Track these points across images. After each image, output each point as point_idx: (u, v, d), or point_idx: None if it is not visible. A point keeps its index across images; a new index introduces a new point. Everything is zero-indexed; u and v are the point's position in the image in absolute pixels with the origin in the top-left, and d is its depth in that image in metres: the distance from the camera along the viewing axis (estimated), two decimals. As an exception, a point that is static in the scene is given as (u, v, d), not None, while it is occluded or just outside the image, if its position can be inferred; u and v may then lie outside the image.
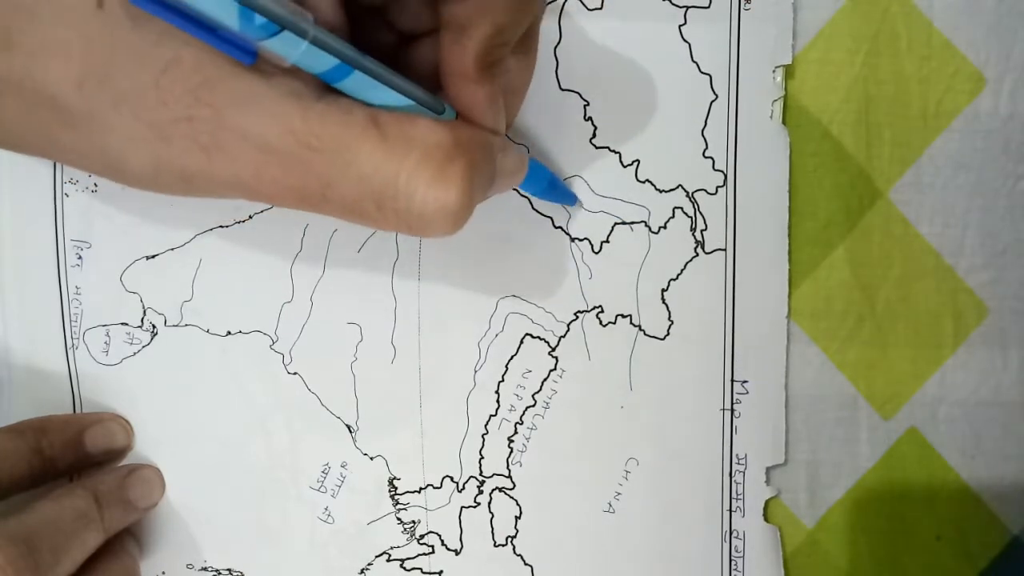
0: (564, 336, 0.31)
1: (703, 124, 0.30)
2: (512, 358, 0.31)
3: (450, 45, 0.22)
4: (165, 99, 0.19)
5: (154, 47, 0.19)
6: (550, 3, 0.30)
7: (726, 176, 0.31)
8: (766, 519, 0.32)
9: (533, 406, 0.31)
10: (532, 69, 0.26)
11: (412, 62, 0.25)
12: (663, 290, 0.31)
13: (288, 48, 0.19)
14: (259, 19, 0.18)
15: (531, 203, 0.31)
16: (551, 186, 0.29)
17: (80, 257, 0.31)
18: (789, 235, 0.31)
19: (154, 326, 0.31)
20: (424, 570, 0.32)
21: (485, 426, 0.31)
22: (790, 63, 0.30)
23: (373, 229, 0.21)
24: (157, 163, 0.20)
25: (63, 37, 0.19)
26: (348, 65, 0.20)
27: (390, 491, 0.32)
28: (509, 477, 0.32)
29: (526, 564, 0.32)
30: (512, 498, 0.32)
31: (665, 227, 0.31)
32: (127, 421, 0.32)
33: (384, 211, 0.21)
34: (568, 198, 0.30)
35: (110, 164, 0.21)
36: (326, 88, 0.21)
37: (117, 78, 0.19)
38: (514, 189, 0.29)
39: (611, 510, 0.32)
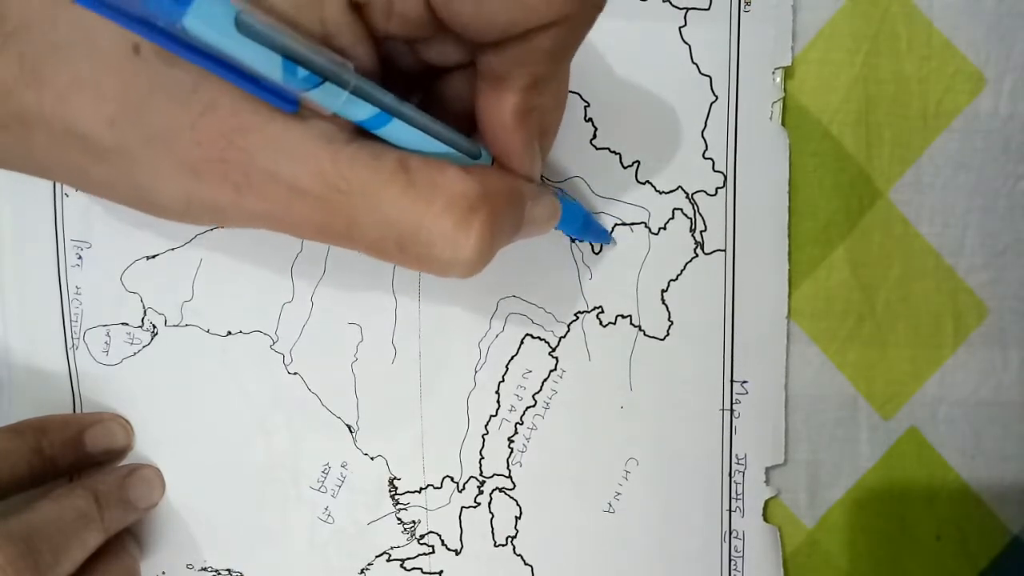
0: (564, 336, 0.31)
1: (703, 125, 0.30)
2: (512, 358, 0.31)
3: (487, 94, 0.22)
4: (200, 140, 0.19)
5: (192, 92, 0.19)
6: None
7: (726, 177, 0.31)
8: (766, 519, 0.32)
9: (533, 406, 0.31)
10: (563, 107, 0.25)
11: (440, 95, 0.25)
12: (663, 291, 0.31)
13: (330, 98, 0.19)
14: (302, 72, 0.18)
15: (531, 203, 0.31)
16: (586, 226, 0.29)
17: (80, 257, 0.31)
18: (789, 235, 0.31)
19: (154, 326, 0.31)
20: (424, 570, 0.32)
21: (485, 426, 0.31)
22: (790, 64, 0.30)
23: (399, 266, 0.22)
24: (188, 198, 0.21)
25: (96, 77, 0.19)
26: (387, 113, 0.20)
27: (390, 491, 0.32)
28: (509, 477, 0.32)
29: (526, 564, 0.32)
30: (512, 498, 0.32)
31: (665, 228, 0.31)
32: (127, 421, 0.32)
33: (406, 253, 0.21)
34: (603, 236, 0.30)
35: (141, 197, 0.21)
36: (358, 130, 0.21)
37: (151, 118, 0.19)
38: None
39: (611, 510, 0.32)
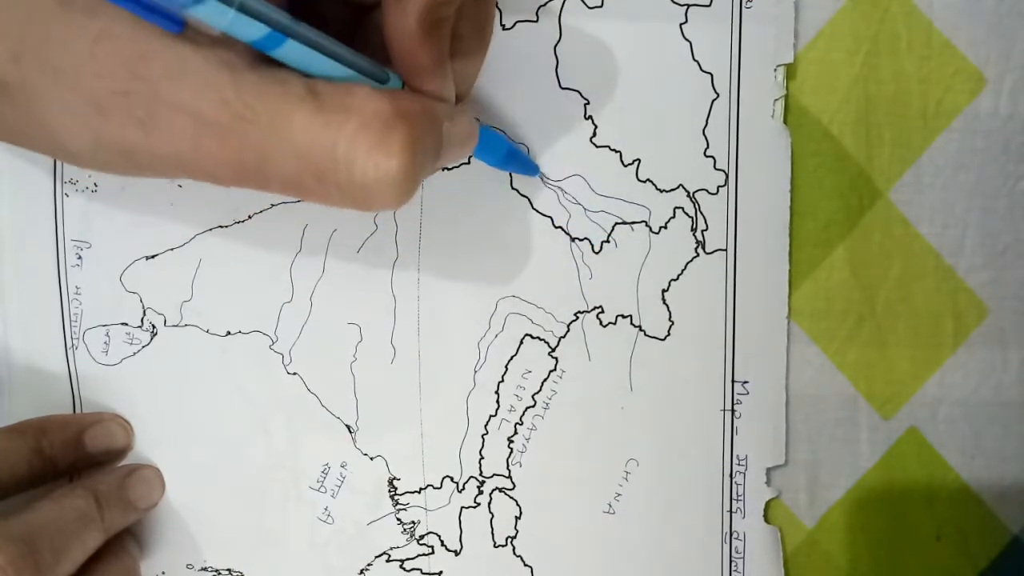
0: (564, 336, 0.31)
1: (704, 123, 0.30)
2: (512, 358, 0.31)
3: (392, 5, 0.21)
4: (100, 71, 0.19)
5: (86, 18, 0.19)
6: (549, 2, 0.30)
7: (727, 176, 0.30)
8: (766, 520, 0.32)
9: (533, 406, 0.31)
10: (487, 33, 0.25)
11: (367, 35, 0.24)
12: (663, 290, 0.31)
13: (215, 16, 0.18)
14: None
15: (531, 203, 0.31)
16: (509, 156, 0.29)
17: (80, 257, 0.31)
18: (789, 235, 0.31)
19: (154, 326, 0.31)
20: (424, 570, 0.32)
21: (485, 426, 0.31)
22: (792, 62, 0.30)
23: (320, 204, 0.21)
24: (97, 139, 0.20)
25: None
26: (281, 33, 0.19)
27: (390, 491, 0.32)
28: (509, 477, 0.32)
29: (526, 565, 0.32)
30: (512, 498, 0.32)
31: (666, 227, 0.31)
32: (127, 421, 0.32)
33: (325, 184, 0.20)
34: (529, 168, 0.30)
35: (51, 140, 0.21)
36: (262, 58, 0.20)
37: (52, 51, 0.19)
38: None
39: (611, 511, 0.32)
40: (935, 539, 0.32)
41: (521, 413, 0.31)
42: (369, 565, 0.32)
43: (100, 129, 0.20)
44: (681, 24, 0.30)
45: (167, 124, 0.20)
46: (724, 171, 0.30)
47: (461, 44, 0.24)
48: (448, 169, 0.30)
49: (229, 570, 0.32)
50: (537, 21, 0.30)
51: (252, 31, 0.19)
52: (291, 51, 0.20)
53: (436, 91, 0.23)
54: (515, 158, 0.29)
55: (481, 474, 0.32)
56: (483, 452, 0.32)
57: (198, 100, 0.19)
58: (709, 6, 0.30)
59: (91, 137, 0.20)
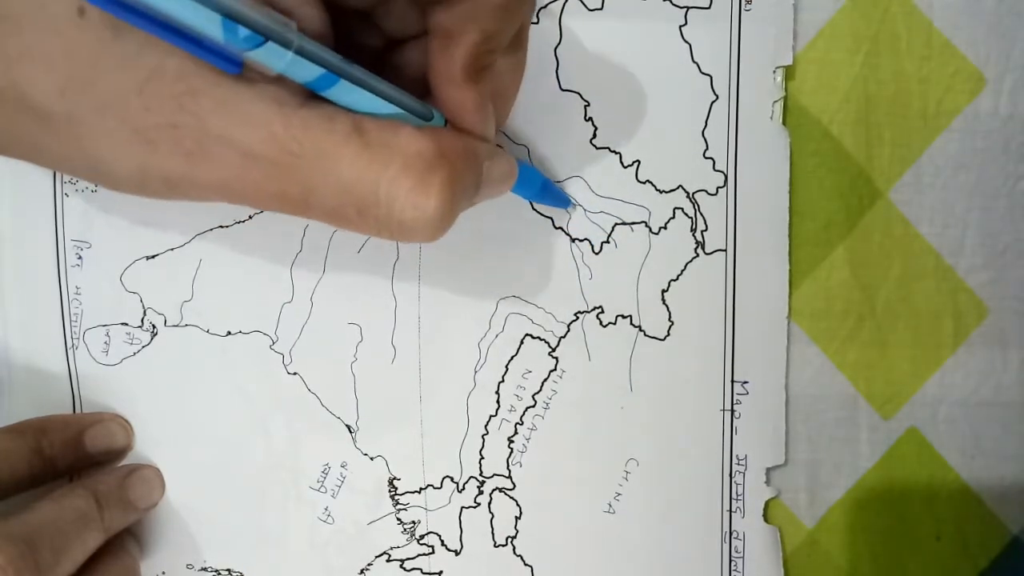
0: (564, 337, 0.31)
1: (703, 125, 0.30)
2: (512, 358, 0.31)
3: (438, 51, 0.22)
4: (148, 106, 0.19)
5: (137, 56, 0.19)
6: (549, 4, 0.30)
7: (726, 176, 0.31)
8: (766, 520, 0.32)
9: (533, 406, 0.31)
10: (522, 71, 0.26)
11: (400, 66, 0.25)
12: (663, 291, 0.31)
13: (273, 58, 0.19)
14: (243, 31, 0.18)
15: (531, 203, 0.31)
16: (544, 190, 0.29)
17: (80, 257, 0.31)
18: (789, 235, 0.31)
19: (154, 326, 0.31)
20: (424, 570, 0.32)
21: (485, 426, 0.31)
22: (791, 63, 0.30)
23: (358, 234, 0.22)
24: (142, 168, 0.20)
25: (45, 45, 0.19)
26: (334, 74, 0.20)
27: (390, 491, 0.32)
28: (509, 477, 0.32)
29: (526, 564, 0.32)
30: (512, 498, 0.32)
31: (666, 227, 0.31)
32: (127, 421, 0.32)
33: (366, 218, 0.21)
34: (562, 201, 0.30)
35: (95, 169, 0.21)
36: (310, 95, 0.21)
37: (99, 85, 0.19)
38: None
39: (611, 511, 0.32)
40: (935, 539, 0.32)
41: (521, 413, 0.31)
42: (369, 565, 0.32)
43: (147, 160, 0.20)
44: (681, 26, 0.30)
45: (213, 156, 0.20)
46: (723, 172, 0.30)
47: (498, 82, 0.24)
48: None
49: (229, 570, 0.32)
50: (537, 23, 0.30)
51: (307, 72, 0.20)
52: (342, 90, 0.21)
53: (478, 130, 0.23)
54: (549, 191, 0.30)
55: (481, 474, 0.32)
56: (483, 452, 0.32)
57: (247, 135, 0.20)
58: (708, 8, 0.30)
59: (137, 167, 0.20)
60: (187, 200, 0.22)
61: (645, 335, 0.31)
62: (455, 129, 0.23)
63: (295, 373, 0.31)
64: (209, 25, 0.18)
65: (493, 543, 0.32)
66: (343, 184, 0.20)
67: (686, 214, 0.31)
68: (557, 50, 0.30)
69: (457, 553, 0.32)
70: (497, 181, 0.25)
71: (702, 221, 0.31)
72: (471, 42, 0.21)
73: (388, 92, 0.21)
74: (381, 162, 0.20)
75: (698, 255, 0.31)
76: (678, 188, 0.31)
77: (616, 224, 0.31)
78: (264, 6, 0.19)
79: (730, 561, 0.32)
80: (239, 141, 0.20)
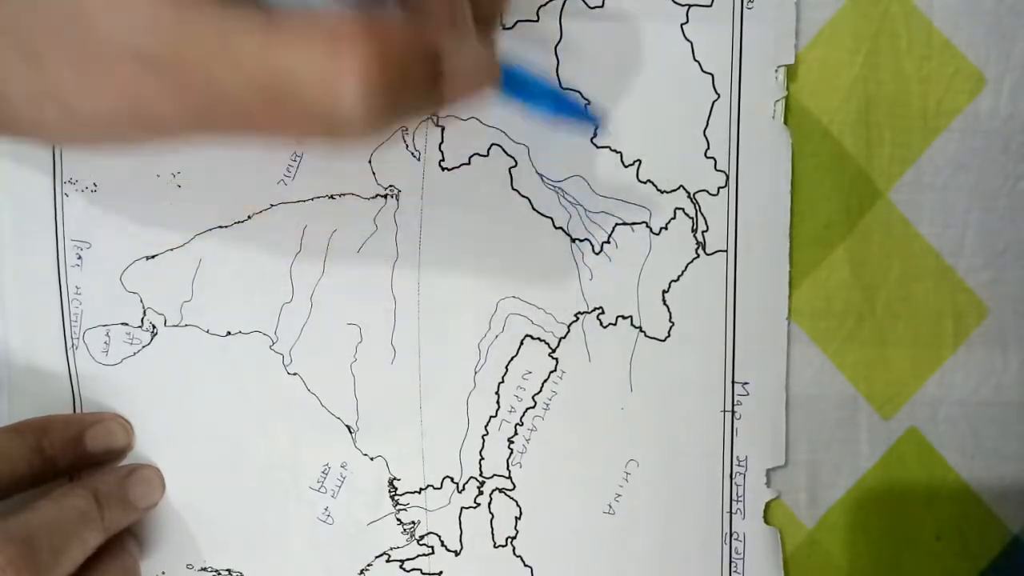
0: (564, 337, 0.31)
1: (705, 124, 0.30)
2: (512, 359, 0.31)
3: None
4: (36, 21, 0.18)
5: None
6: (550, 2, 0.30)
7: (727, 176, 0.30)
8: (766, 520, 0.32)
9: (533, 407, 0.31)
10: None
11: None
12: (664, 291, 0.31)
13: None
14: None
15: (531, 203, 0.31)
16: (558, 103, 0.26)
17: (80, 257, 0.31)
18: (789, 235, 0.31)
19: (154, 326, 0.31)
20: (424, 571, 0.32)
21: (485, 427, 0.31)
22: (793, 63, 0.30)
23: (277, 137, 0.20)
24: (38, 93, 0.19)
25: None
26: None
27: (390, 491, 0.32)
28: (509, 478, 0.32)
29: (526, 565, 0.32)
30: (512, 499, 0.32)
31: (666, 228, 0.31)
32: (127, 421, 0.32)
33: (277, 109, 0.19)
34: (582, 115, 0.27)
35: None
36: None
37: None
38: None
39: (611, 511, 0.32)
40: (935, 539, 0.32)
41: (521, 414, 0.31)
42: (369, 565, 0.32)
43: (35, 81, 0.19)
44: (682, 24, 0.30)
45: (106, 64, 0.18)
46: (725, 172, 0.30)
47: None
48: (448, 169, 0.30)
49: (229, 570, 0.32)
50: (538, 21, 0.30)
51: None
52: None
53: (439, 11, 0.20)
54: (564, 105, 0.26)
55: (481, 474, 0.32)
56: (483, 452, 0.32)
57: (138, 34, 0.18)
58: (710, 7, 0.30)
59: (34, 92, 0.19)
60: (103, 141, 0.20)
61: (645, 336, 0.31)
62: (413, 11, 0.20)
63: (295, 373, 0.31)
64: None
65: (493, 544, 0.32)
66: (250, 76, 0.18)
67: (687, 214, 0.31)
68: (557, 48, 0.30)
69: (457, 553, 0.32)
70: (464, 76, 0.21)
71: (703, 221, 0.31)
72: None
73: None
74: (286, 44, 0.18)
75: (698, 255, 0.31)
76: (679, 188, 0.31)
77: (617, 224, 0.31)
78: None
79: (730, 562, 0.32)
80: (131, 43, 0.18)
